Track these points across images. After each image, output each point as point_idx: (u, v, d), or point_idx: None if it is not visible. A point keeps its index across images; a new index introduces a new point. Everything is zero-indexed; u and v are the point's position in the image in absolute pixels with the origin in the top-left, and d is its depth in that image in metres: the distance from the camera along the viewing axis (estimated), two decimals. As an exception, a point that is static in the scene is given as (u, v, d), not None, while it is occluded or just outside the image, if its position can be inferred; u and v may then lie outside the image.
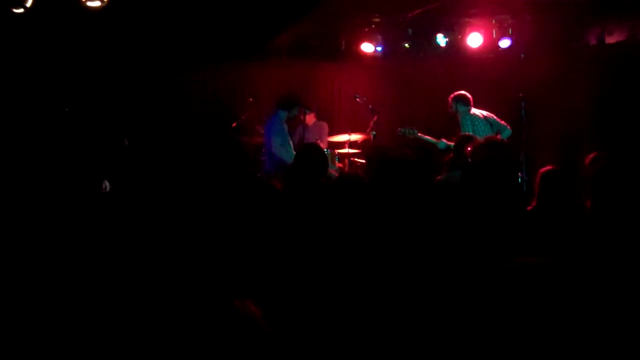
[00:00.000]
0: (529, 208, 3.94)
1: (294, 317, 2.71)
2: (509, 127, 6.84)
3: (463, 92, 6.94)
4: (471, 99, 6.91)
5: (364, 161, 7.45)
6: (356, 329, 2.63)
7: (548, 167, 4.08)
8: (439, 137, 6.93)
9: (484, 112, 6.89)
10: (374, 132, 7.40)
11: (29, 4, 6.46)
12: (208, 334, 1.39)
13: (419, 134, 6.92)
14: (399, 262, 2.93)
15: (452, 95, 6.96)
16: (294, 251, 3.07)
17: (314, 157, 3.95)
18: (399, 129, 7.06)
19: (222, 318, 1.42)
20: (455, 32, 7.97)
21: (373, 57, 8.55)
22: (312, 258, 2.97)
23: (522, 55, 7.94)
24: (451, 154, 5.52)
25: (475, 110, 6.88)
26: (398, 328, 2.59)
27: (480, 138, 6.05)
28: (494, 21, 7.74)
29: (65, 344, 2.36)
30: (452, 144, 6.74)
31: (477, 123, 6.76)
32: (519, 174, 6.40)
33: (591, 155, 4.75)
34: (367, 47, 8.32)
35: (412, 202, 3.44)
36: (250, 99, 7.87)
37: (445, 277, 2.65)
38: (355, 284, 2.81)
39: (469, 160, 4.42)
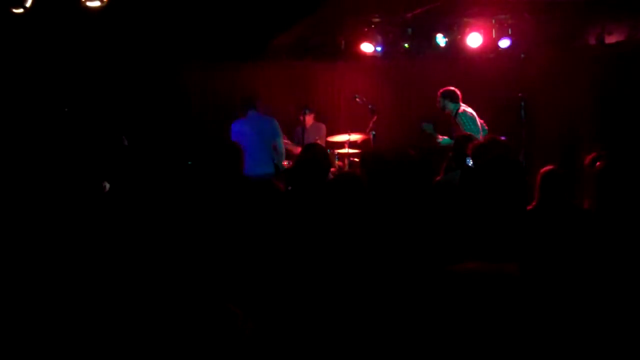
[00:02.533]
0: (528, 208, 3.94)
1: (292, 318, 2.71)
2: (486, 127, 6.88)
3: (451, 87, 6.96)
4: (460, 95, 6.92)
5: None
6: (354, 329, 2.63)
7: (548, 167, 4.08)
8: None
9: (469, 109, 6.93)
10: (374, 132, 7.41)
11: (28, 4, 6.45)
12: (195, 333, 1.40)
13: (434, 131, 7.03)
14: (392, 263, 2.93)
15: (440, 92, 6.99)
16: (297, 252, 3.06)
17: (317, 157, 3.95)
18: (423, 123, 7.10)
19: (210, 319, 1.43)
20: (455, 32, 7.96)
21: (373, 57, 8.54)
22: (314, 259, 2.97)
23: (522, 55, 7.94)
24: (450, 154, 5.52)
25: (468, 109, 6.89)
26: (394, 330, 2.59)
27: (478, 137, 6.07)
28: (493, 21, 7.74)
29: (59, 341, 2.36)
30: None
31: (476, 122, 6.77)
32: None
33: (591, 155, 4.75)
34: (367, 47, 8.32)
35: (408, 204, 3.44)
36: (250, 100, 7.87)
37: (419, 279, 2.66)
38: (353, 284, 2.82)
39: (472, 160, 4.41)
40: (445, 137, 6.95)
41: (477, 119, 6.89)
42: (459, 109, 6.85)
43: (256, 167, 6.31)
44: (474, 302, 1.55)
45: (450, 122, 7.07)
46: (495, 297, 1.56)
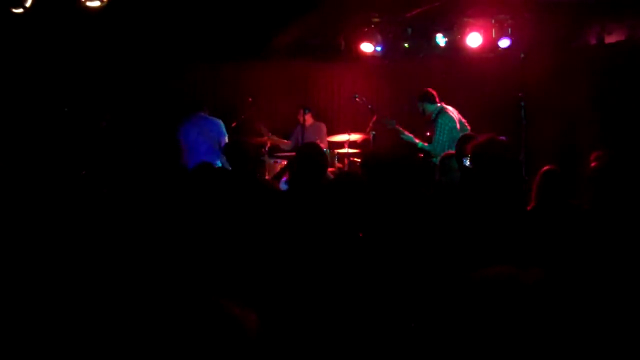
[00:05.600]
0: (528, 208, 3.94)
1: (291, 317, 2.70)
2: (468, 127, 6.90)
3: (428, 89, 6.97)
4: (436, 95, 6.93)
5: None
6: (352, 329, 2.63)
7: (548, 167, 4.07)
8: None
9: (450, 108, 6.92)
10: (374, 132, 7.41)
11: (28, 4, 6.45)
12: (189, 331, 1.40)
13: (397, 126, 7.01)
14: (394, 264, 2.93)
15: (417, 96, 7.00)
16: (294, 251, 3.06)
17: (313, 156, 3.94)
18: (386, 119, 7.16)
19: (204, 316, 1.43)
20: (454, 32, 7.95)
21: (373, 57, 8.54)
22: (313, 258, 2.97)
23: (522, 55, 7.93)
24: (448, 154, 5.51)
25: (448, 109, 6.89)
26: (394, 329, 2.59)
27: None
28: (493, 21, 7.73)
29: (57, 340, 2.36)
30: (419, 141, 6.85)
31: (454, 127, 6.76)
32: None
33: (594, 155, 4.74)
34: (367, 47, 8.32)
35: (408, 204, 3.44)
36: (250, 99, 7.88)
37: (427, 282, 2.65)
38: (351, 284, 2.81)
39: (470, 159, 4.40)
40: (409, 135, 6.97)
41: (458, 119, 6.88)
42: (439, 111, 6.83)
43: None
44: (491, 309, 1.54)
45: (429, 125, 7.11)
46: (513, 303, 1.55)
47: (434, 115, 6.86)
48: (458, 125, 6.81)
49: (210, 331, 1.41)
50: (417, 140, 6.90)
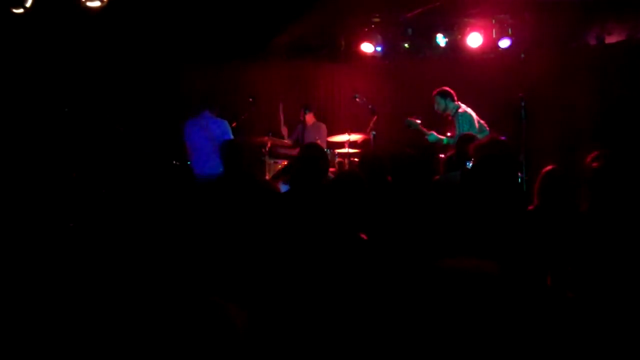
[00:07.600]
0: (530, 207, 3.93)
1: (289, 316, 2.71)
2: (487, 128, 6.90)
3: (446, 88, 7.00)
4: (454, 93, 6.97)
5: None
6: (352, 328, 2.63)
7: (550, 167, 4.07)
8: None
9: (469, 109, 6.94)
10: (374, 132, 7.41)
11: (28, 4, 6.45)
12: (183, 327, 1.40)
13: (420, 127, 7.01)
14: (394, 262, 2.93)
15: (435, 92, 7.01)
16: (293, 251, 3.06)
17: (316, 158, 3.94)
18: (407, 119, 7.13)
19: (197, 313, 1.43)
20: (455, 32, 7.96)
21: (373, 57, 8.55)
22: (312, 257, 2.97)
23: (522, 55, 7.95)
24: (449, 153, 5.51)
25: (466, 108, 6.91)
26: (384, 325, 2.59)
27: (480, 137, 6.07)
28: (493, 21, 7.74)
29: (54, 338, 2.36)
30: (443, 137, 6.86)
31: (473, 123, 6.79)
32: (519, 174, 6.41)
33: (592, 155, 4.73)
34: (367, 47, 8.32)
35: (407, 203, 3.44)
36: (250, 99, 7.87)
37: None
38: (350, 283, 2.82)
39: (472, 159, 4.41)
40: (432, 133, 6.96)
41: (477, 119, 6.90)
42: (458, 108, 6.90)
43: (204, 167, 6.22)
44: (453, 298, 1.57)
45: (445, 122, 7.10)
46: (472, 293, 1.58)
47: (453, 112, 6.89)
48: (477, 124, 6.83)
49: (201, 327, 1.42)
50: (441, 137, 6.91)
